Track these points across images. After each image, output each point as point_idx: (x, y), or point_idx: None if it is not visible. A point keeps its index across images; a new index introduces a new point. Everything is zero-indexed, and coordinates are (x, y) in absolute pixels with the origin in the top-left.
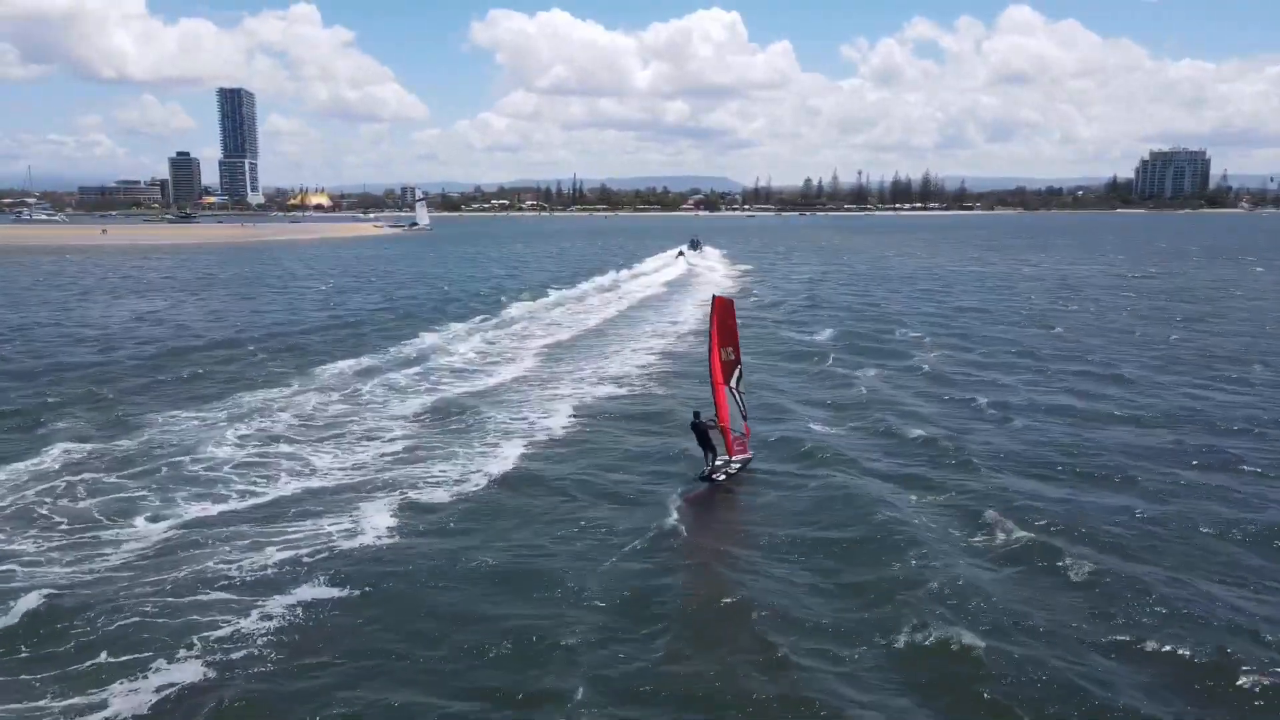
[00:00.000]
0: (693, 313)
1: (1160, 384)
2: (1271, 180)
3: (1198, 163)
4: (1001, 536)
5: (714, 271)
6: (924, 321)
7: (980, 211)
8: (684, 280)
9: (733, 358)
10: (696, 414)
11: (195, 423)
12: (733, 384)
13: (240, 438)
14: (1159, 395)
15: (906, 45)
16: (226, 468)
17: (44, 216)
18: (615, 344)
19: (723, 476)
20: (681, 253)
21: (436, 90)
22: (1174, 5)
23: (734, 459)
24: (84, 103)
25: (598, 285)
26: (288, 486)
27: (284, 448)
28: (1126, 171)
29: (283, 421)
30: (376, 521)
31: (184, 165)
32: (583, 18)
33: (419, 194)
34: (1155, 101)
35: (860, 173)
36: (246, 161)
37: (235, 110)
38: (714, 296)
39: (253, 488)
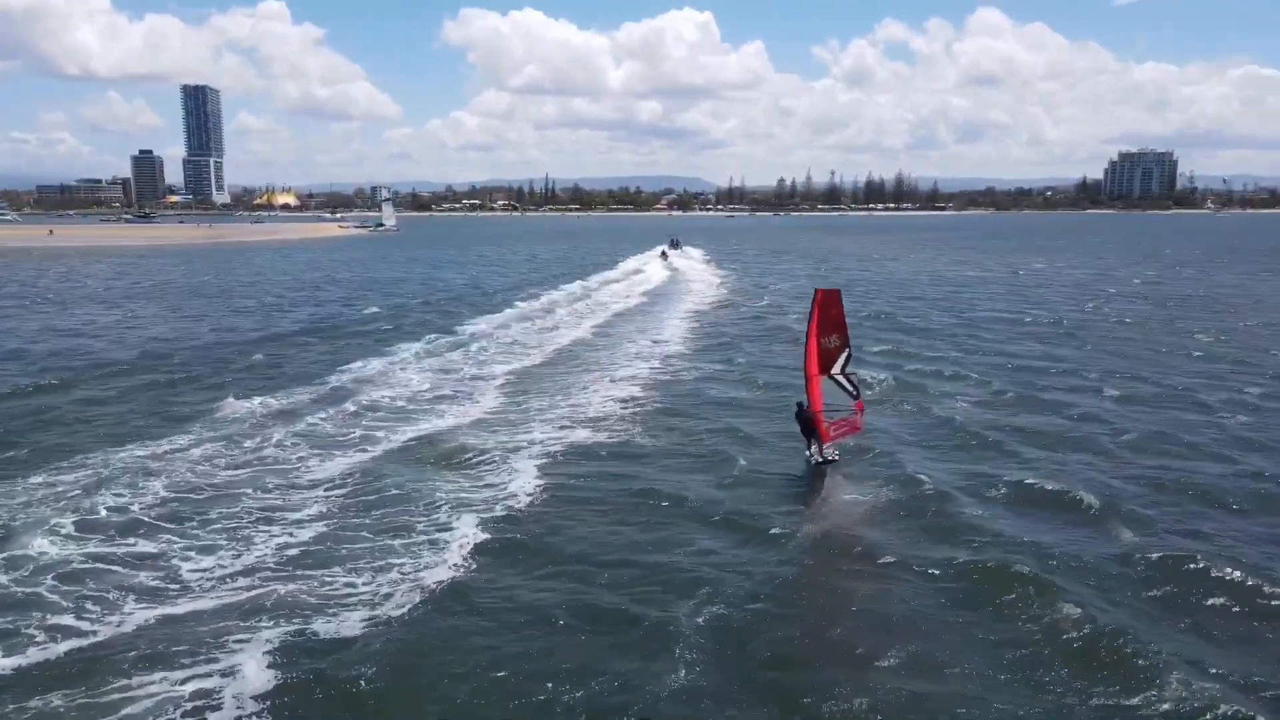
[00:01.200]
0: (679, 328)
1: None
2: (1224, 181)
3: (1165, 164)
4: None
5: (696, 279)
6: (957, 335)
7: (953, 212)
8: (665, 289)
9: (836, 344)
10: (799, 404)
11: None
12: (836, 371)
13: (78, 528)
14: None
15: (878, 46)
16: (46, 582)
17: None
18: (592, 370)
19: (824, 460)
20: (664, 253)
21: (408, 89)
22: (1140, 9)
23: (830, 446)
24: (47, 100)
25: (569, 294)
26: (132, 617)
27: (140, 544)
28: (1095, 172)
29: (148, 496)
30: (252, 676)
31: (147, 163)
32: (555, 17)
33: (385, 193)
34: (1120, 104)
35: (834, 173)
36: (211, 160)
37: (200, 108)
38: (816, 289)
39: (78, 621)
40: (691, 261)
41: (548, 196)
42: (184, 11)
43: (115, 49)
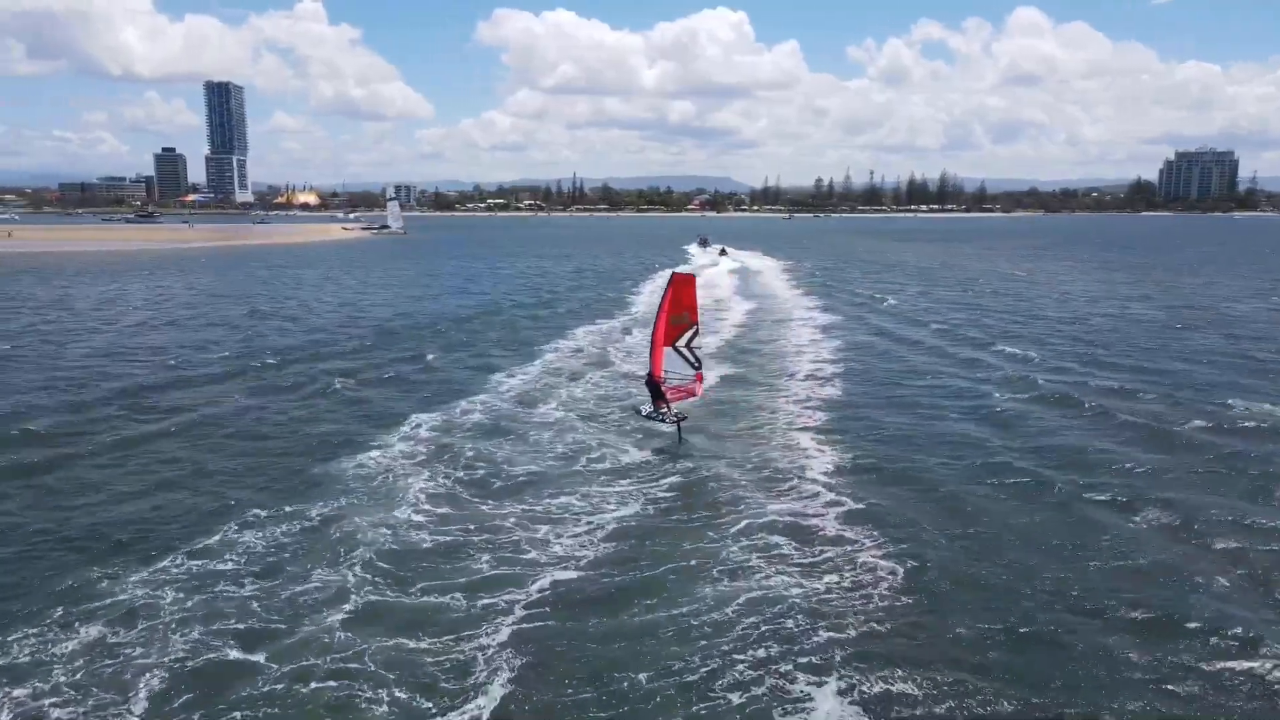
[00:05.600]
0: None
1: None
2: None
3: (1225, 164)
4: None
5: (780, 298)
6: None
7: (1000, 214)
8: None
9: (686, 321)
10: (649, 374)
11: None
12: (681, 344)
13: None
14: None
15: (914, 46)
16: None
17: None
18: (624, 499)
19: (668, 420)
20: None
21: (442, 89)
22: (1182, 8)
23: (674, 407)
24: (90, 100)
25: (603, 338)
26: None
27: None
28: (1134, 172)
29: None
30: None
31: (169, 161)
32: (588, 17)
33: (391, 192)
34: (1161, 103)
35: (873, 173)
36: (234, 158)
37: (223, 105)
38: (672, 273)
39: None
40: (769, 280)
41: (576, 196)
42: (223, 12)
43: (156, 49)
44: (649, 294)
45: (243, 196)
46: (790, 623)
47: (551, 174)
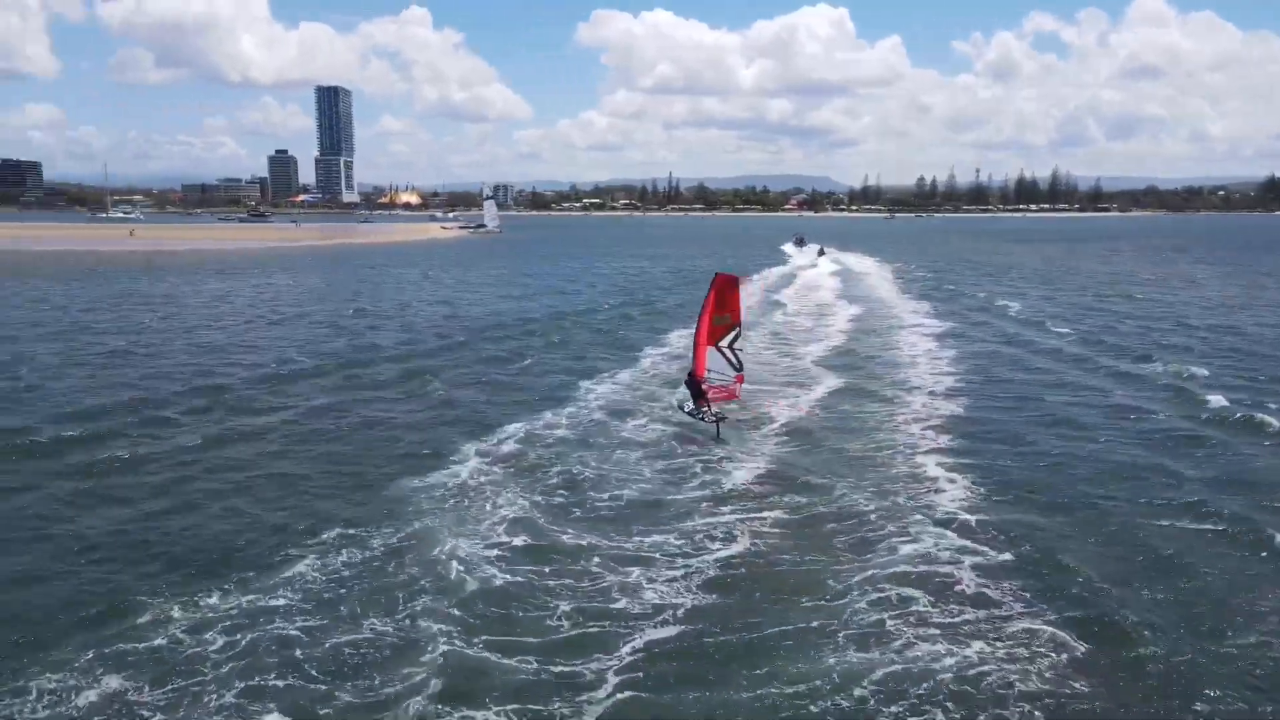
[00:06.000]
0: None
1: None
2: None
3: None
4: None
5: (887, 302)
6: None
7: (1116, 213)
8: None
9: (729, 322)
10: (690, 373)
11: None
12: (723, 344)
13: None
14: None
15: (1025, 39)
16: None
17: (120, 215)
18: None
19: (707, 419)
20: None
21: (541, 90)
22: None
23: (714, 407)
24: (211, 105)
25: None
26: None
27: None
28: (1266, 170)
29: None
30: None
31: (282, 163)
32: (686, 17)
33: (487, 190)
34: None
35: (978, 171)
36: (341, 159)
37: (332, 108)
38: (716, 274)
39: None
40: (875, 282)
41: (671, 196)
42: (335, 19)
43: (272, 56)
44: (751, 298)
45: (349, 197)
46: (940, 714)
47: (647, 174)
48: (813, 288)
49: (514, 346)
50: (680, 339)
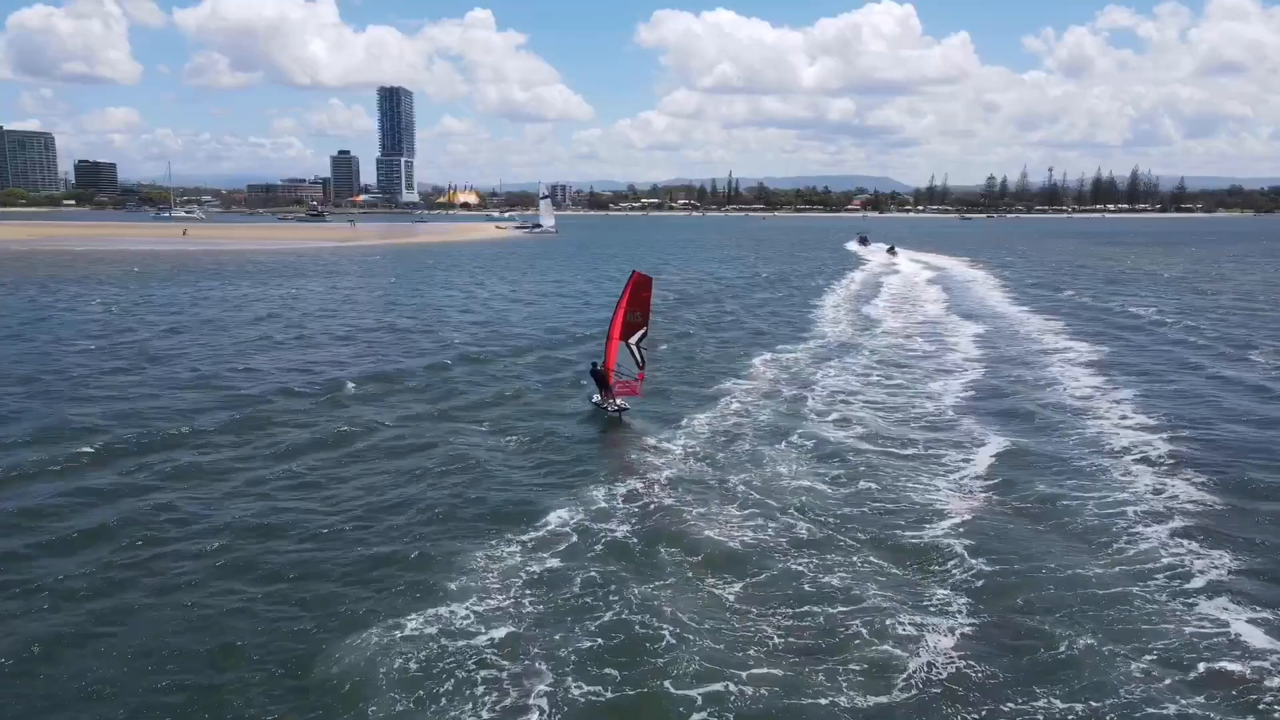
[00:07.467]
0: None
1: None
2: None
3: None
4: None
5: (1007, 317)
6: None
7: (1201, 214)
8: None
9: (639, 320)
10: (594, 363)
11: None
12: (632, 341)
13: None
14: None
15: (1100, 35)
16: None
17: (183, 214)
18: None
19: (610, 410)
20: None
21: (601, 90)
22: None
23: (618, 400)
24: (281, 107)
25: (786, 369)
26: None
27: None
28: None
29: None
30: None
31: (344, 163)
32: (748, 16)
33: (544, 190)
34: None
35: (1051, 170)
36: (402, 160)
37: (394, 109)
38: (633, 272)
39: None
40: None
41: (730, 196)
42: (401, 22)
43: (339, 59)
44: (838, 310)
45: (408, 196)
46: None
47: (706, 173)
48: (908, 299)
49: (578, 370)
50: (766, 365)
